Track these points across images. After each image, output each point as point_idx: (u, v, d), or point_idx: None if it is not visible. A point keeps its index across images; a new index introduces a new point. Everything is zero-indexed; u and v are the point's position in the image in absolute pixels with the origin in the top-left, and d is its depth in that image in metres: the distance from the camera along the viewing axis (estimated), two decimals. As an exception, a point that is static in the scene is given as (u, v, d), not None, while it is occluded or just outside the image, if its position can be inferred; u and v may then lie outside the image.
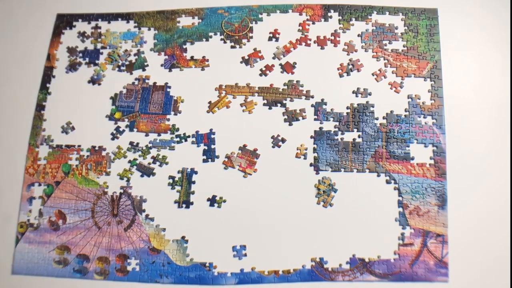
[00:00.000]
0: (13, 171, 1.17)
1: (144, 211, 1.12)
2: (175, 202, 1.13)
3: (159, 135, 1.18)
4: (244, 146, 1.15)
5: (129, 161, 1.16)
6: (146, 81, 1.23)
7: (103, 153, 1.17)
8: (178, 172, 1.15)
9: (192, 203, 1.12)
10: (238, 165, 1.14)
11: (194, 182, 1.14)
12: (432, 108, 1.17)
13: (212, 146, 1.16)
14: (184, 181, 1.14)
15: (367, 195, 1.11)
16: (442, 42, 1.22)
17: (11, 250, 1.11)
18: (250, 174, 1.13)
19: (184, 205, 1.12)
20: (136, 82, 1.23)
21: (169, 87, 1.22)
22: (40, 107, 1.22)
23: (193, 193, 1.13)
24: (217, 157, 1.15)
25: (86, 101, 1.22)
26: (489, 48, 1.21)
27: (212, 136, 1.17)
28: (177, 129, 1.18)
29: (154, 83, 1.22)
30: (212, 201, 1.11)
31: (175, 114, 1.19)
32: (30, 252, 1.11)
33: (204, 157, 1.15)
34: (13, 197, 1.15)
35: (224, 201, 1.11)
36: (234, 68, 1.23)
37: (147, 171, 1.15)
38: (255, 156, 1.15)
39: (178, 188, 1.13)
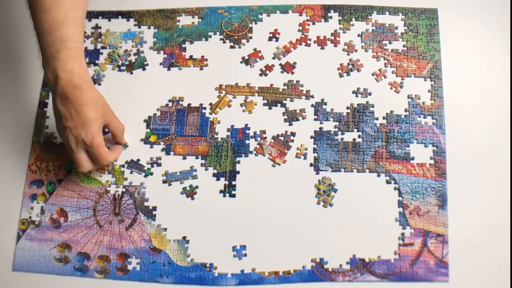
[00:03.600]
0: (16, 168, 1.18)
1: (149, 209, 1.13)
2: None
3: (196, 158, 1.16)
4: (277, 135, 1.16)
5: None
6: (180, 102, 1.20)
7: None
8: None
9: (239, 172, 1.13)
10: (268, 154, 1.14)
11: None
12: (432, 108, 1.16)
13: (247, 141, 1.16)
14: (229, 150, 1.15)
15: (367, 195, 1.11)
16: (442, 42, 1.21)
17: (12, 247, 1.12)
18: (279, 164, 1.13)
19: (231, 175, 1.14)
20: (170, 104, 1.20)
21: (204, 108, 1.20)
22: (42, 104, 1.22)
23: (238, 162, 1.14)
24: (251, 152, 1.15)
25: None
26: (489, 48, 1.21)
27: (247, 131, 1.17)
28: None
29: (189, 104, 1.20)
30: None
31: (212, 137, 1.17)
32: (31, 249, 1.11)
33: (239, 152, 1.16)
34: (15, 194, 1.15)
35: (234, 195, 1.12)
36: (234, 68, 1.22)
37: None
38: (287, 147, 1.15)
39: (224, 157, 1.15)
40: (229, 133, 1.17)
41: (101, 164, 1.05)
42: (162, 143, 1.18)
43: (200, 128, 1.19)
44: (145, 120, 1.20)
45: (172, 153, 1.17)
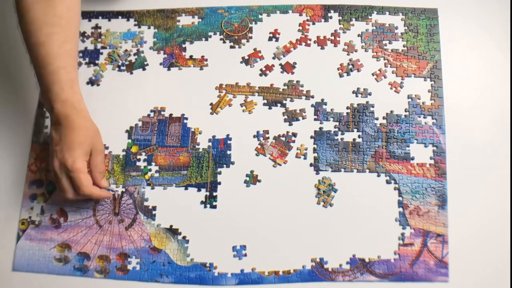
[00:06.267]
0: (15, 168, 1.17)
1: (148, 209, 1.13)
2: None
3: (179, 168, 1.16)
4: (279, 136, 1.16)
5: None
6: (162, 112, 1.20)
7: (105, 152, 1.17)
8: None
9: (220, 183, 1.13)
10: (270, 154, 1.14)
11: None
12: (432, 108, 1.16)
13: (228, 152, 1.15)
14: (211, 161, 1.14)
15: (367, 195, 1.11)
16: (442, 42, 1.21)
17: (12, 247, 1.11)
18: (280, 165, 1.13)
19: (211, 186, 1.13)
20: (152, 114, 1.20)
21: (186, 119, 1.19)
22: (42, 104, 1.22)
23: (219, 173, 1.13)
24: (233, 163, 1.14)
25: (86, 100, 1.22)
26: (489, 48, 1.21)
27: (229, 141, 1.16)
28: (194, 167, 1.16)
29: (170, 114, 1.19)
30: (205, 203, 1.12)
31: (194, 147, 1.16)
32: (31, 249, 1.11)
33: (220, 162, 1.15)
34: (15, 194, 1.15)
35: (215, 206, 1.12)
36: (234, 68, 1.22)
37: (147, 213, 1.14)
38: (288, 148, 1.15)
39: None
40: (210, 144, 1.17)
41: (81, 192, 1.00)
42: (143, 153, 1.17)
43: (181, 138, 1.18)
44: (126, 131, 1.19)
45: (153, 163, 1.16)
